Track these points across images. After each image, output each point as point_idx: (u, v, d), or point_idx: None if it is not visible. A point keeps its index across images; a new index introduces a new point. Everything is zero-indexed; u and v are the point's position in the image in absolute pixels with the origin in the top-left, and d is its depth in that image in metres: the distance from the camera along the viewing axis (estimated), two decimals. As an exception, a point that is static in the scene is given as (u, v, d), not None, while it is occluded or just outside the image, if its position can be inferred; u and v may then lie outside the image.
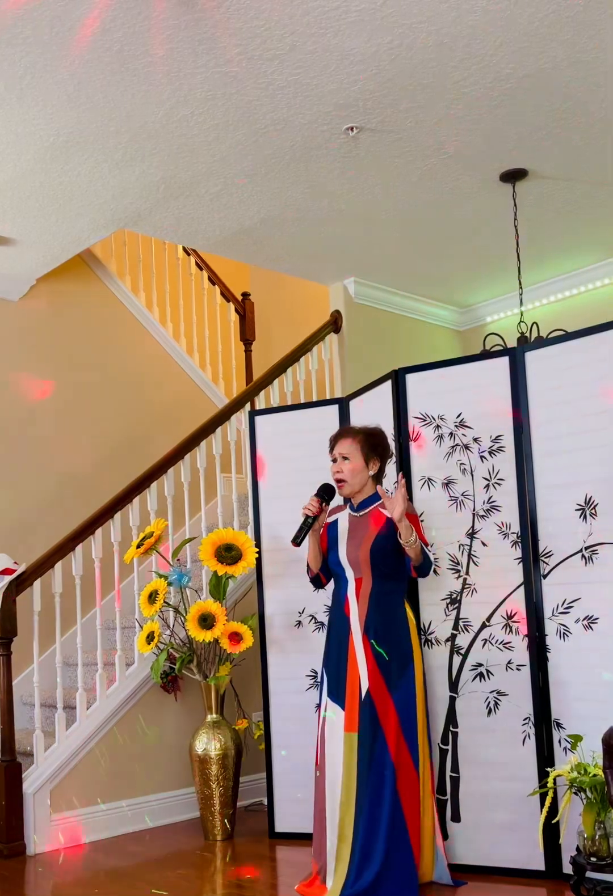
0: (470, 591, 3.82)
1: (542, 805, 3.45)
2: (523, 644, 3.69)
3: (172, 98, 3.83)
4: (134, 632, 5.10)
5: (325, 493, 3.70)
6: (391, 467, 4.06)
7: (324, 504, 3.69)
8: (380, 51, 3.57)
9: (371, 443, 3.68)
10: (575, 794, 3.25)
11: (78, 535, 4.77)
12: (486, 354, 4.03)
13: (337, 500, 3.75)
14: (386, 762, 3.44)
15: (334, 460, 3.70)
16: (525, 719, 3.65)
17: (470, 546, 3.84)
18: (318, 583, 3.87)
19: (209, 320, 6.86)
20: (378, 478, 3.71)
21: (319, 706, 3.69)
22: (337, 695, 3.56)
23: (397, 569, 3.62)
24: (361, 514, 3.68)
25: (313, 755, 3.71)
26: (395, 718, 3.48)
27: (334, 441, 3.74)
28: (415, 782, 3.48)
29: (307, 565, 3.84)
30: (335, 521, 3.75)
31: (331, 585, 3.82)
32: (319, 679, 3.73)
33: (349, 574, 3.64)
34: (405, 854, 3.38)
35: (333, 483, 3.71)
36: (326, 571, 3.81)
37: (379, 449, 3.70)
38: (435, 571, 3.83)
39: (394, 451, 4.03)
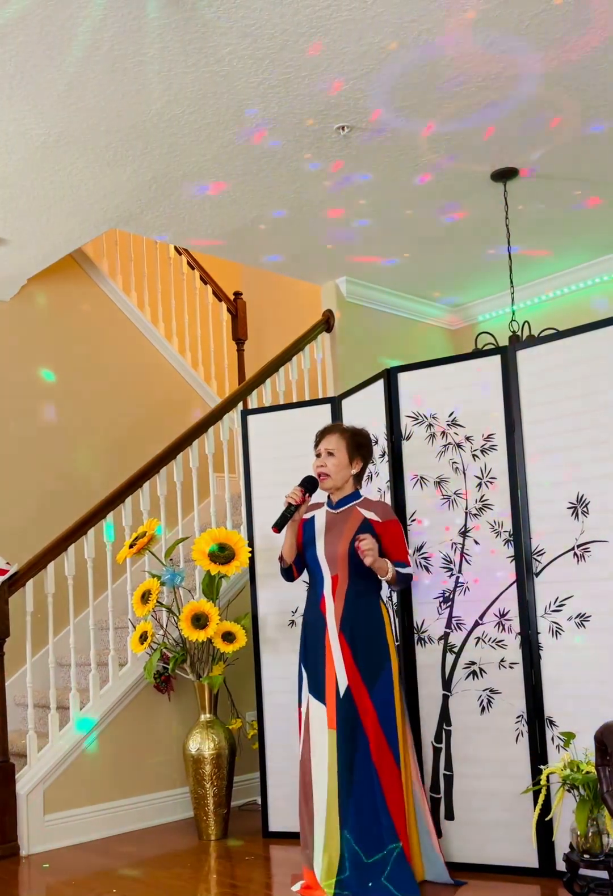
0: (463, 589, 3.83)
1: (535, 802, 3.46)
2: (515, 642, 3.70)
3: (162, 97, 3.82)
4: (127, 632, 5.10)
5: (309, 484, 3.71)
6: (383, 467, 4.07)
7: (307, 495, 3.69)
8: (371, 50, 3.58)
9: (357, 441, 3.71)
10: (568, 791, 3.26)
11: (70, 535, 4.76)
12: (478, 353, 4.03)
13: (316, 497, 3.74)
14: (368, 761, 3.45)
15: (318, 455, 3.72)
16: (518, 717, 3.66)
17: (463, 544, 3.84)
18: (289, 575, 3.86)
19: (201, 320, 6.86)
20: (359, 478, 3.74)
21: (299, 704, 3.69)
22: (318, 691, 3.57)
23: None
24: (339, 511, 3.70)
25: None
26: (374, 717, 3.49)
27: (320, 436, 3.77)
28: (397, 779, 3.49)
29: (281, 556, 3.83)
30: (312, 518, 3.75)
31: (304, 579, 3.83)
32: (297, 677, 3.73)
33: (326, 571, 3.64)
34: (397, 853, 3.39)
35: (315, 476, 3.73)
36: (299, 564, 3.82)
37: (363, 450, 3.73)
38: (428, 569, 3.84)
39: (386, 450, 4.04)
